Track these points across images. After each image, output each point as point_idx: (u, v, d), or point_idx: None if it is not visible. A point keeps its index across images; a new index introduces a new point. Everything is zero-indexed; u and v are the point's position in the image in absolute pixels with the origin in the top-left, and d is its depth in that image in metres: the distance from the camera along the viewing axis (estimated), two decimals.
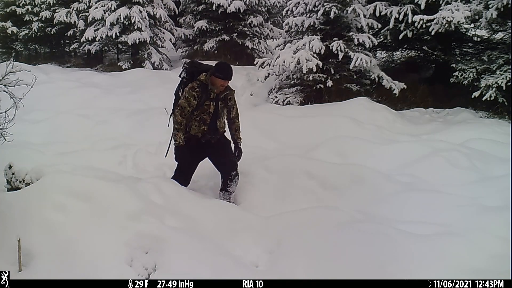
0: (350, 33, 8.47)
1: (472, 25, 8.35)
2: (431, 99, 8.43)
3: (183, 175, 4.28)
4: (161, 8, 12.78)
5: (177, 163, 4.28)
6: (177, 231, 3.42)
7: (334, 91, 8.30)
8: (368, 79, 8.68)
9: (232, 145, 4.38)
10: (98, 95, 8.62)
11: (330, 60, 8.40)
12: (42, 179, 3.61)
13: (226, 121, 4.27)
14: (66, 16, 14.01)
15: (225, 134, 4.34)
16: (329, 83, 8.23)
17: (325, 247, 3.22)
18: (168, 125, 4.38)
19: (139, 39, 11.96)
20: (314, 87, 8.42)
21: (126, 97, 8.42)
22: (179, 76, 4.24)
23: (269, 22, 14.40)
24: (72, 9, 13.95)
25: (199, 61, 4.58)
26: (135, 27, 11.97)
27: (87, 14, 12.91)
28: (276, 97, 8.67)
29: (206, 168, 4.72)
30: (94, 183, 3.62)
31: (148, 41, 12.18)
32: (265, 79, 8.89)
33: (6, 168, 4.07)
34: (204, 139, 4.13)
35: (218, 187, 4.44)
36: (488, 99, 7.19)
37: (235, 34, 12.89)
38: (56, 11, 14.39)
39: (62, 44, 16.08)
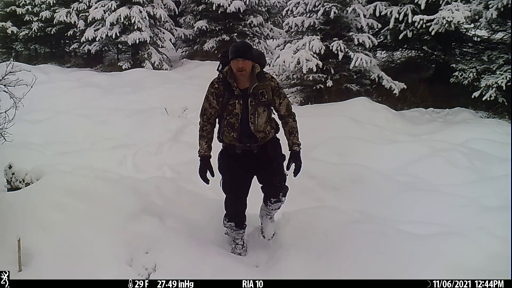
0: (350, 33, 8.48)
1: (472, 25, 8.35)
2: (431, 99, 8.43)
3: (231, 193, 3.27)
4: (161, 8, 12.80)
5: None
6: (177, 231, 3.42)
7: (334, 91, 8.31)
8: (368, 79, 8.68)
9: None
10: (98, 95, 8.62)
11: (330, 60, 8.41)
12: (42, 179, 3.60)
13: (269, 123, 3.16)
14: (66, 16, 14.02)
15: (278, 142, 3.27)
16: (329, 83, 8.23)
17: (325, 247, 3.21)
18: None
19: (139, 39, 11.97)
20: (314, 87, 8.43)
21: (126, 97, 8.42)
22: (217, 69, 3.20)
23: (269, 22, 14.43)
24: (72, 9, 13.96)
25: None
26: (135, 27, 11.98)
27: (87, 14, 12.92)
28: None
29: None
30: (94, 183, 3.62)
31: (148, 41, 12.19)
32: None
33: (6, 168, 4.06)
34: (239, 149, 3.10)
35: (219, 186, 4.38)
36: (488, 99, 7.20)
37: (235, 34, 12.90)
38: (56, 11, 14.40)
39: (62, 44, 16.09)
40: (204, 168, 3.17)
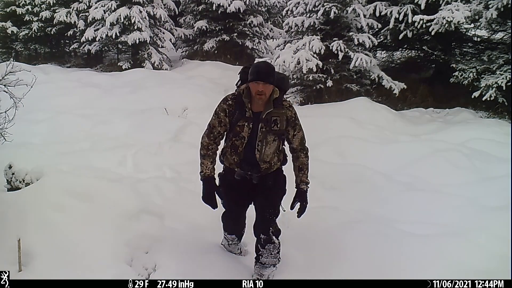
0: (350, 33, 8.48)
1: (472, 25, 8.36)
2: (431, 99, 8.44)
3: (230, 213, 3.16)
4: (161, 8, 12.78)
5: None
6: (177, 231, 3.43)
7: (334, 91, 8.31)
8: (368, 79, 8.68)
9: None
10: (98, 95, 8.61)
11: (330, 60, 8.40)
12: (42, 179, 3.61)
13: (277, 154, 2.90)
14: (66, 16, 14.00)
15: (282, 173, 3.00)
16: (329, 83, 8.23)
17: (325, 247, 3.22)
18: None
19: (139, 39, 11.96)
20: (314, 87, 8.43)
21: (126, 97, 8.41)
22: (236, 84, 2.99)
23: (269, 22, 14.42)
24: (72, 9, 13.95)
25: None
26: (135, 27, 11.97)
27: (87, 14, 12.90)
28: None
29: None
30: (94, 183, 3.62)
31: (148, 41, 12.18)
32: None
33: (6, 168, 4.06)
34: (238, 175, 2.89)
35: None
36: (488, 99, 7.20)
37: (235, 34, 12.90)
38: (56, 11, 14.38)
39: (62, 44, 16.07)
40: (211, 190, 2.85)
